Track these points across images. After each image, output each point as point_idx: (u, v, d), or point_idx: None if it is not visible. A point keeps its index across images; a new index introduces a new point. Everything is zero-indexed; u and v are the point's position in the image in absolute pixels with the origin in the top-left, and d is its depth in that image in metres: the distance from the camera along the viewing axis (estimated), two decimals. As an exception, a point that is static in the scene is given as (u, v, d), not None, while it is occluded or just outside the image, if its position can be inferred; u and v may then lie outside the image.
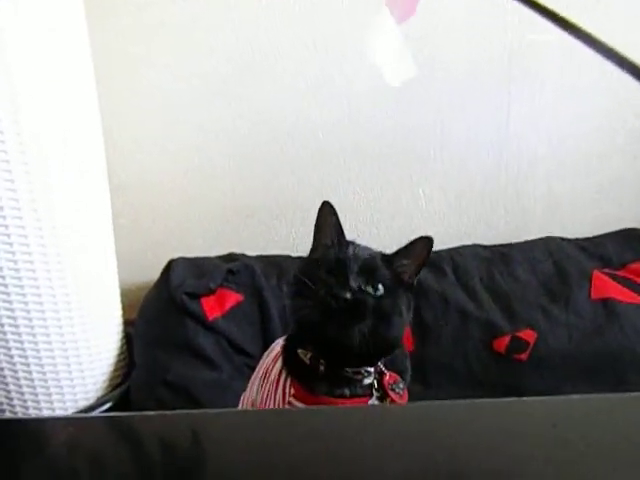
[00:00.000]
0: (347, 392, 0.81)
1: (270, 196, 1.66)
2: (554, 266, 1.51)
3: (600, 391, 0.63)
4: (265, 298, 1.42)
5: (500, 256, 1.54)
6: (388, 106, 1.64)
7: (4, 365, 1.24)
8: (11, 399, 1.27)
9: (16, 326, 1.21)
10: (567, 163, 1.70)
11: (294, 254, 1.56)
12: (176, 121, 1.62)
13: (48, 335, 1.24)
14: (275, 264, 1.50)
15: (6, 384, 1.26)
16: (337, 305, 0.76)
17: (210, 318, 1.35)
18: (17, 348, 1.23)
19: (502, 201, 1.71)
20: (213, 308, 1.37)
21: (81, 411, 1.31)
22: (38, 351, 1.24)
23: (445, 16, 1.59)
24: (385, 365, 0.84)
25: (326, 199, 1.70)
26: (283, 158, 1.64)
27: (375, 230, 1.70)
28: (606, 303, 1.41)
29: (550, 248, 1.56)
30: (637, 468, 0.50)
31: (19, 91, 1.13)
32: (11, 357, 1.23)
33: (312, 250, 0.87)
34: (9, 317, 1.21)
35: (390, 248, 1.60)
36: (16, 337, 1.22)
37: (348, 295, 0.76)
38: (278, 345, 0.92)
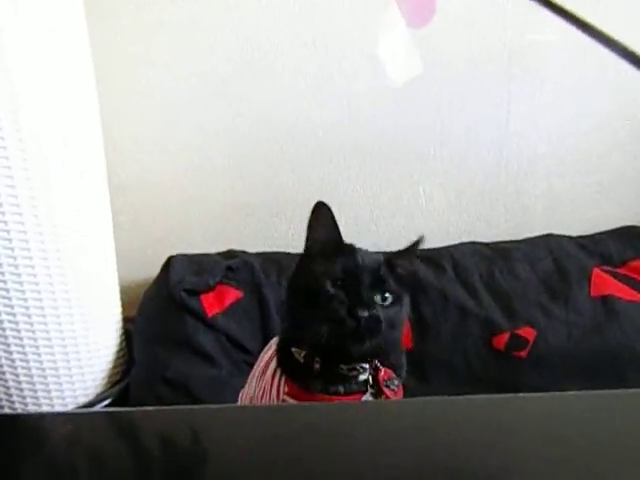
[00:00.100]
0: (341, 389, 0.80)
1: (270, 194, 1.66)
2: (554, 264, 1.51)
3: (599, 389, 0.63)
4: (264, 295, 1.42)
5: (500, 254, 1.54)
6: (388, 104, 1.64)
7: (3, 362, 1.24)
8: (10, 395, 1.27)
9: (15, 322, 1.21)
10: (567, 161, 1.70)
11: (293, 251, 1.56)
12: (176, 120, 1.62)
13: (47, 332, 1.25)
14: (274, 261, 1.50)
15: (5, 380, 1.26)
16: (355, 324, 0.76)
17: (209, 315, 1.36)
18: (16, 345, 1.23)
19: (502, 199, 1.71)
20: (212, 305, 1.37)
21: (80, 407, 1.31)
22: (37, 347, 1.24)
23: (445, 15, 1.58)
24: (380, 361, 0.83)
25: (326, 197, 1.70)
26: (283, 156, 1.64)
27: (375, 228, 1.70)
28: (606, 301, 1.41)
29: (550, 246, 1.56)
30: (635, 464, 0.50)
31: (19, 91, 1.13)
32: (10, 353, 1.23)
33: (306, 254, 0.85)
34: (8, 314, 1.21)
35: (390, 246, 1.60)
36: (15, 333, 1.22)
37: (366, 314, 0.76)
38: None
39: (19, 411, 1.26)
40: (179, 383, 1.29)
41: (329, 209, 0.82)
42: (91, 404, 1.33)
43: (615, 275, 1.48)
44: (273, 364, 0.87)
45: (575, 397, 0.62)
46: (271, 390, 0.84)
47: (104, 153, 1.36)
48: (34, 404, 1.28)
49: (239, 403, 0.99)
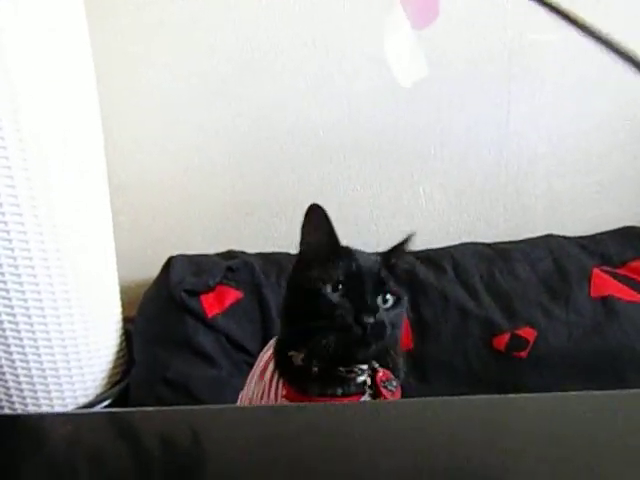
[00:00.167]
0: (339, 391, 0.80)
1: (270, 194, 1.66)
2: (554, 264, 1.51)
3: (599, 389, 0.63)
4: (264, 295, 1.42)
5: (500, 254, 1.54)
6: (388, 104, 1.64)
7: (3, 362, 1.24)
8: (10, 396, 1.27)
9: (15, 323, 1.21)
10: (567, 161, 1.70)
11: (294, 252, 1.56)
12: (176, 120, 1.62)
13: (47, 332, 1.25)
14: (274, 261, 1.50)
15: (5, 381, 1.26)
16: (361, 331, 0.75)
17: (209, 315, 1.35)
18: (16, 345, 1.23)
19: (502, 199, 1.71)
20: (212, 305, 1.37)
21: (80, 408, 1.31)
22: (37, 348, 1.24)
23: (446, 15, 1.57)
24: (379, 362, 0.82)
25: (326, 197, 1.71)
26: (283, 156, 1.64)
27: (375, 228, 1.70)
28: (606, 301, 1.41)
29: (550, 246, 1.56)
30: (635, 464, 0.50)
31: (19, 91, 1.13)
32: (10, 354, 1.23)
33: (301, 258, 0.83)
34: (8, 314, 1.21)
35: (389, 247, 1.60)
36: (15, 334, 1.22)
37: (372, 320, 0.75)
38: None
39: (19, 411, 1.26)
40: (179, 383, 1.29)
41: (324, 211, 0.80)
42: (91, 404, 1.33)
43: (615, 275, 1.49)
44: (271, 366, 0.87)
45: (575, 397, 0.62)
46: (269, 393, 0.83)
47: (104, 153, 1.36)
48: (34, 404, 1.28)
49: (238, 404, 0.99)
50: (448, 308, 1.42)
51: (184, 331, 1.34)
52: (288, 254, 1.54)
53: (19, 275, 1.20)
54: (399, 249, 0.87)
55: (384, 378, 0.82)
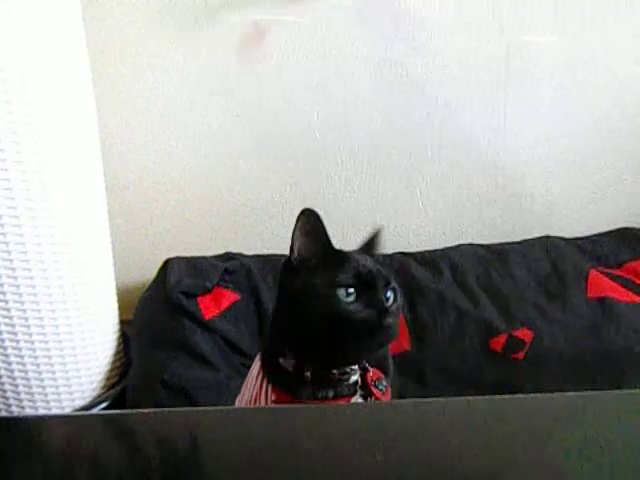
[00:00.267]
0: (331, 394, 0.79)
1: (267, 196, 1.66)
2: (551, 265, 1.51)
3: (596, 390, 0.63)
4: (262, 297, 1.42)
5: (497, 255, 1.54)
6: (385, 107, 1.64)
7: (0, 365, 1.24)
8: (7, 398, 1.27)
9: (12, 325, 1.21)
10: (564, 163, 1.70)
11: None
12: (172, 121, 1.62)
13: (44, 334, 1.24)
14: (272, 263, 1.50)
15: (2, 384, 1.25)
16: (383, 334, 0.76)
17: (207, 317, 1.35)
18: (13, 347, 1.22)
19: (499, 201, 1.71)
20: (210, 307, 1.37)
21: (77, 410, 1.30)
22: (34, 350, 1.24)
23: (442, 17, 1.59)
24: (369, 362, 0.82)
25: (323, 200, 1.71)
26: (280, 158, 1.64)
27: (372, 230, 1.70)
28: (602, 302, 1.42)
29: (547, 247, 1.56)
30: (632, 464, 0.50)
31: (15, 92, 1.13)
32: (7, 356, 1.23)
33: (294, 264, 0.81)
34: (5, 317, 1.20)
35: (388, 248, 1.61)
36: (12, 336, 1.21)
37: (390, 321, 0.75)
38: None
39: (15, 414, 1.25)
40: (176, 386, 1.28)
41: (318, 215, 0.79)
42: (88, 407, 1.32)
43: (612, 276, 1.49)
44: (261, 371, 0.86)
45: (572, 398, 0.62)
46: (259, 399, 0.83)
47: (101, 155, 1.36)
48: (31, 407, 1.28)
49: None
50: (445, 309, 1.42)
51: (181, 333, 1.34)
52: (285, 256, 1.54)
53: (16, 277, 1.19)
54: (373, 243, 0.88)
55: (375, 377, 0.82)
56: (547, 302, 1.43)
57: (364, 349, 0.78)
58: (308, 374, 0.78)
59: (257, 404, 0.82)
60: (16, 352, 1.23)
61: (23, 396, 1.27)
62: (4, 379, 1.25)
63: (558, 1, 1.59)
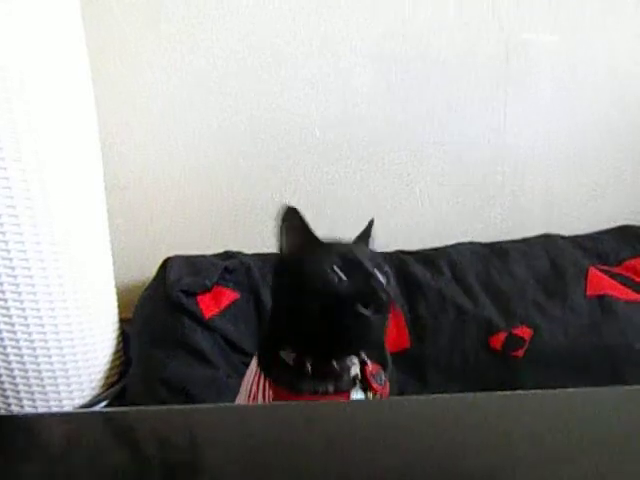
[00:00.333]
0: (331, 388, 0.79)
1: (266, 194, 1.66)
2: (550, 263, 1.51)
3: (596, 387, 0.63)
4: (261, 296, 1.42)
5: (497, 253, 1.54)
6: (385, 104, 1.64)
7: (0, 363, 1.24)
8: (7, 397, 1.27)
9: (12, 324, 1.21)
10: (564, 160, 1.70)
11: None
12: (172, 119, 1.62)
13: (44, 333, 1.24)
14: (271, 262, 1.48)
15: (1, 382, 1.25)
16: (381, 306, 0.76)
17: (207, 316, 1.35)
18: (13, 346, 1.22)
19: (499, 198, 1.71)
20: (209, 306, 1.37)
21: (77, 409, 1.30)
22: (34, 349, 1.24)
23: (441, 15, 1.59)
24: (368, 356, 0.83)
25: (323, 197, 1.71)
26: (280, 155, 1.64)
27: (375, 230, 1.70)
28: (602, 300, 1.42)
29: (546, 245, 1.57)
30: (632, 460, 0.50)
31: (14, 90, 1.13)
32: (7, 355, 1.23)
33: (288, 259, 0.82)
34: (4, 315, 1.20)
35: (388, 246, 1.61)
36: (12, 335, 1.22)
37: (383, 294, 0.75)
38: None
39: (15, 413, 1.25)
40: (176, 384, 1.28)
41: (297, 210, 0.81)
42: (88, 406, 1.32)
43: (611, 274, 1.49)
44: (257, 369, 0.86)
45: (572, 394, 0.62)
46: (257, 396, 0.83)
47: (100, 154, 1.36)
48: (30, 406, 1.28)
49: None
50: (445, 307, 1.42)
51: (181, 332, 1.34)
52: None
53: (15, 276, 1.19)
54: (365, 235, 0.88)
55: (373, 371, 0.82)
56: (547, 300, 1.43)
57: (361, 330, 0.77)
58: (309, 366, 0.79)
59: (254, 399, 0.82)
60: (16, 351, 1.23)
61: (23, 395, 1.27)
62: (4, 378, 1.25)
63: (558, 0, 1.59)
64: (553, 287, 1.46)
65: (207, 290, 1.39)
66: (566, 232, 1.65)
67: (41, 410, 1.27)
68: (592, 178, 1.72)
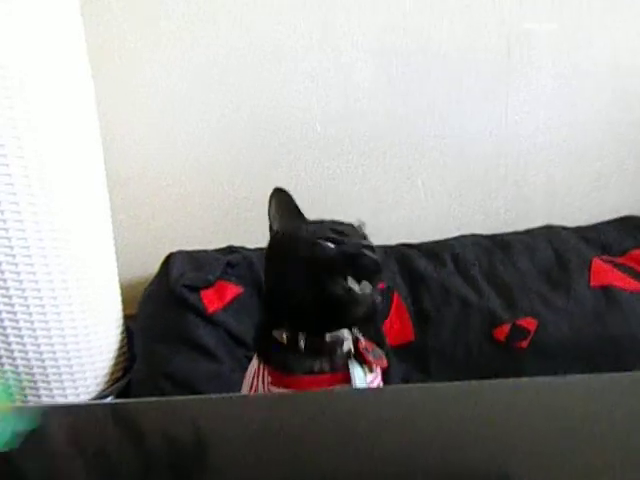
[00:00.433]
0: (327, 366, 0.80)
1: (268, 188, 1.65)
2: (554, 254, 1.51)
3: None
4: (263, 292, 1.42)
5: (500, 245, 1.54)
6: (386, 97, 1.64)
7: (4, 360, 1.24)
8: (12, 394, 1.27)
9: (16, 321, 1.21)
10: (566, 151, 1.70)
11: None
12: (174, 114, 1.61)
13: (48, 330, 1.24)
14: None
15: (6, 379, 1.26)
16: (373, 264, 0.77)
17: (210, 311, 1.35)
18: (17, 343, 1.23)
19: (501, 190, 1.71)
20: (213, 301, 1.37)
21: (82, 405, 1.31)
22: (39, 346, 1.24)
23: (442, 6, 1.58)
24: (363, 334, 0.84)
25: (325, 191, 1.71)
26: (281, 150, 1.64)
27: (374, 221, 1.70)
28: (606, 291, 1.41)
29: (550, 236, 1.56)
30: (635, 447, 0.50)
31: (14, 87, 1.13)
32: (11, 352, 1.23)
33: (275, 236, 0.86)
34: (9, 312, 1.20)
35: (390, 239, 1.60)
36: (16, 332, 1.22)
37: (372, 254, 0.77)
38: None
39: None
40: (180, 379, 1.28)
41: (286, 192, 0.88)
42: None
43: (615, 265, 1.49)
44: (254, 360, 0.87)
45: (575, 381, 0.62)
46: (257, 384, 0.83)
47: (102, 149, 1.36)
48: (36, 403, 1.28)
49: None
50: (448, 300, 1.42)
51: (185, 327, 1.34)
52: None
53: (19, 273, 1.19)
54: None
55: (368, 348, 0.83)
56: (551, 291, 1.43)
57: (351, 302, 0.77)
58: (302, 343, 0.79)
59: (255, 390, 0.82)
60: (20, 347, 1.23)
61: (28, 392, 1.27)
62: (8, 375, 1.25)
63: (559, -9, 1.59)
64: (557, 278, 1.45)
65: (210, 285, 1.39)
66: (569, 223, 1.65)
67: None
68: (594, 169, 1.71)
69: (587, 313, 1.38)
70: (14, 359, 1.24)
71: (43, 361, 1.26)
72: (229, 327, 1.36)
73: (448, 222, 1.70)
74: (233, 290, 1.41)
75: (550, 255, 1.51)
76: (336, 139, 1.64)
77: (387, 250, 1.52)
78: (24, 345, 1.23)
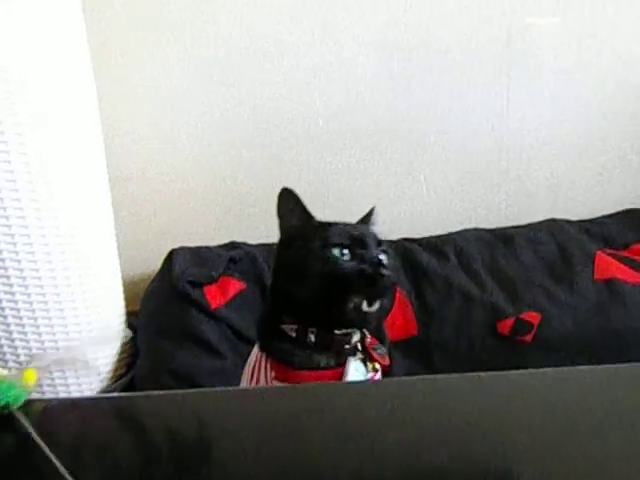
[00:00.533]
0: (332, 362, 0.80)
1: (270, 184, 1.65)
2: (557, 248, 1.51)
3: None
4: (267, 286, 1.42)
5: (503, 239, 1.54)
6: (387, 92, 1.64)
7: (8, 357, 1.24)
8: (16, 390, 1.27)
9: (19, 317, 1.21)
10: (568, 145, 1.69)
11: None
12: (176, 111, 1.61)
13: (52, 326, 1.25)
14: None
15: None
16: (383, 282, 0.76)
17: (213, 306, 1.35)
18: (21, 340, 1.23)
19: (503, 184, 1.71)
20: (216, 297, 1.37)
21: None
22: (42, 342, 1.24)
23: (442, 1, 1.58)
24: (369, 329, 0.84)
25: (327, 186, 1.70)
26: (283, 145, 1.64)
27: (376, 216, 1.70)
28: (610, 284, 1.41)
29: (553, 230, 1.56)
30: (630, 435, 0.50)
31: (16, 85, 1.13)
32: (15, 348, 1.23)
33: (286, 237, 0.86)
34: (12, 309, 1.21)
35: (393, 234, 1.60)
36: (20, 329, 1.22)
37: (387, 272, 0.76)
38: None
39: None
40: (184, 375, 1.29)
41: (294, 192, 0.85)
42: (97, 398, 1.33)
43: (619, 258, 1.48)
44: (257, 354, 0.86)
45: (580, 372, 0.62)
46: (259, 378, 0.83)
47: (104, 146, 1.36)
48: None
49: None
50: (452, 294, 1.42)
51: (188, 323, 1.34)
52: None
53: (22, 270, 1.19)
54: (366, 220, 0.91)
55: (374, 343, 0.83)
56: (554, 285, 1.42)
57: (363, 320, 0.79)
58: (312, 337, 0.79)
59: (257, 382, 0.82)
60: (24, 344, 1.24)
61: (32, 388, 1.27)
62: (13, 371, 1.25)
63: (560, -18, 1.58)
64: (560, 272, 1.45)
65: (213, 281, 1.39)
66: (572, 217, 1.65)
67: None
68: (597, 162, 1.71)
69: (591, 306, 1.38)
70: (18, 355, 1.24)
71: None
72: (232, 323, 1.36)
73: (450, 216, 1.70)
74: (236, 286, 1.41)
75: (553, 249, 1.51)
76: (338, 134, 1.64)
77: (389, 245, 1.52)
78: (27, 342, 1.24)
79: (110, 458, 0.49)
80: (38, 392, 1.28)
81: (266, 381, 0.81)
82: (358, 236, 0.79)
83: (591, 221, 1.63)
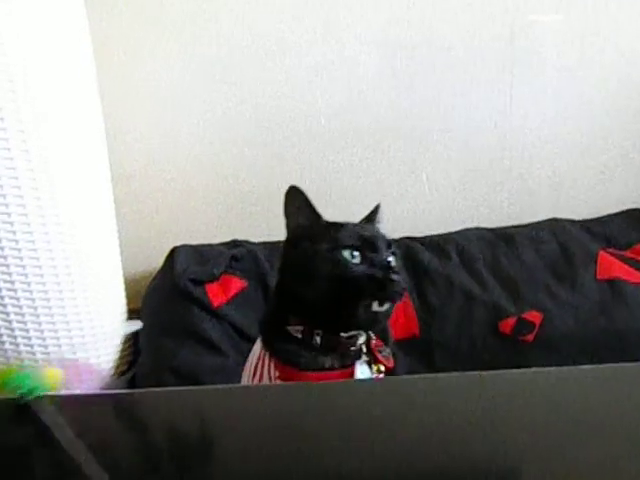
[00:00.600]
0: (337, 364, 0.79)
1: (273, 182, 1.66)
2: (559, 247, 1.50)
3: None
4: (269, 284, 1.42)
5: (505, 238, 1.54)
6: (390, 90, 1.63)
7: (10, 354, 1.24)
8: (18, 388, 1.28)
9: (22, 315, 1.22)
10: (571, 143, 1.69)
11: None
12: (178, 109, 1.61)
13: (54, 324, 1.25)
14: (278, 250, 1.49)
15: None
16: (393, 288, 0.76)
17: (215, 304, 1.35)
18: (23, 337, 1.23)
19: (506, 183, 1.70)
20: (218, 295, 1.37)
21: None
22: (44, 339, 1.24)
23: (445, -1, 1.58)
24: (374, 330, 0.83)
25: (329, 185, 1.70)
26: (285, 144, 1.64)
27: (382, 214, 1.70)
28: (612, 283, 1.41)
29: (555, 229, 1.56)
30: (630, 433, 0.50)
31: (19, 83, 1.13)
32: (17, 345, 1.24)
33: (293, 236, 0.84)
34: (14, 306, 1.21)
35: (395, 232, 1.60)
36: (22, 325, 1.22)
37: (396, 277, 0.75)
38: None
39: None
40: (186, 373, 1.29)
41: (302, 190, 0.83)
42: (98, 395, 1.33)
43: (621, 258, 1.48)
44: (259, 352, 0.86)
45: (582, 372, 0.62)
46: (262, 377, 0.82)
47: (106, 144, 1.36)
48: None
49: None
50: (453, 293, 1.42)
51: (190, 321, 1.34)
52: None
53: (24, 267, 1.20)
54: (371, 218, 0.89)
55: (379, 345, 0.83)
56: (556, 284, 1.42)
57: (371, 320, 0.78)
58: (318, 339, 0.78)
59: (260, 380, 0.82)
60: (26, 341, 1.24)
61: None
62: (14, 368, 1.26)
63: (563, -21, 1.58)
64: (563, 271, 1.45)
65: (215, 279, 1.40)
66: (574, 216, 1.64)
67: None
68: (600, 161, 1.71)
69: (593, 306, 1.38)
70: (19, 352, 1.24)
71: (48, 354, 1.26)
72: (234, 321, 1.36)
73: (452, 215, 1.70)
74: (238, 284, 1.41)
75: (555, 248, 1.51)
76: (340, 132, 1.64)
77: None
78: (29, 339, 1.24)
79: (112, 455, 0.49)
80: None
81: (269, 380, 0.81)
82: (369, 238, 0.78)
83: (593, 220, 1.63)
